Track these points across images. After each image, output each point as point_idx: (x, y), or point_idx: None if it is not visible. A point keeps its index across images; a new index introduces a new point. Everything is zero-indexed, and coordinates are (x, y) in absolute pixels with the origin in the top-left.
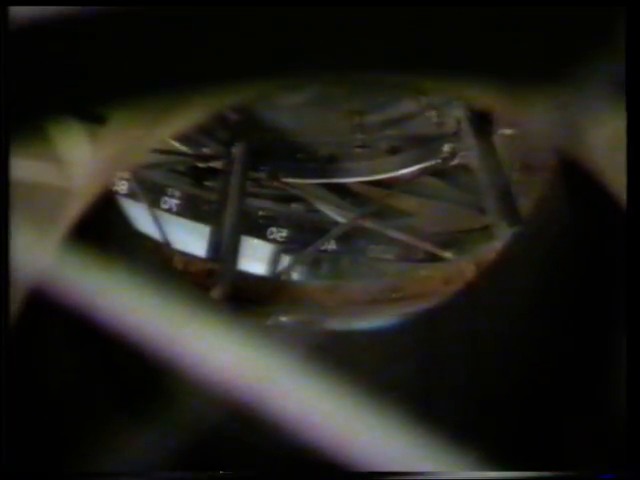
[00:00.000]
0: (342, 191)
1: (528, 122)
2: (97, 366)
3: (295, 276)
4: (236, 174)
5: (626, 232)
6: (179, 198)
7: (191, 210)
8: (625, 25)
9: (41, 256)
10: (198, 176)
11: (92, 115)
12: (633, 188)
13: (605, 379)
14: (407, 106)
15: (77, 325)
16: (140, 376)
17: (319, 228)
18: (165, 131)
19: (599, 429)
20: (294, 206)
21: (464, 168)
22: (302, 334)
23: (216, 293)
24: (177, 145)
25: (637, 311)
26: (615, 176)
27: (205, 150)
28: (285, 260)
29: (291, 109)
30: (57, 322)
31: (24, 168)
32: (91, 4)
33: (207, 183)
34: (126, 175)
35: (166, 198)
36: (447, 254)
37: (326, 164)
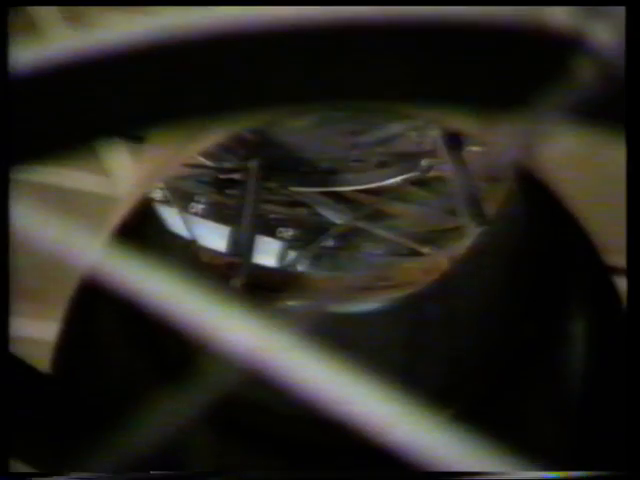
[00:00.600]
0: (339, 198)
1: (492, 141)
2: (141, 342)
3: (300, 268)
4: (251, 184)
5: (627, 233)
6: (204, 204)
7: (214, 214)
8: (625, 25)
9: (92, 251)
10: (220, 186)
11: (133, 136)
12: (633, 188)
13: (555, 349)
14: (393, 128)
15: (124, 308)
16: (176, 349)
17: (320, 228)
18: (193, 149)
19: (553, 394)
20: (299, 210)
21: (439, 179)
22: (306, 315)
23: (235, 282)
24: (203, 160)
25: (637, 312)
26: (565, 184)
27: (226, 164)
28: (291, 255)
29: (298, 130)
30: (107, 306)
31: (77, 179)
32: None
33: (228, 191)
34: (161, 185)
35: (194, 204)
36: (426, 249)
37: (326, 175)
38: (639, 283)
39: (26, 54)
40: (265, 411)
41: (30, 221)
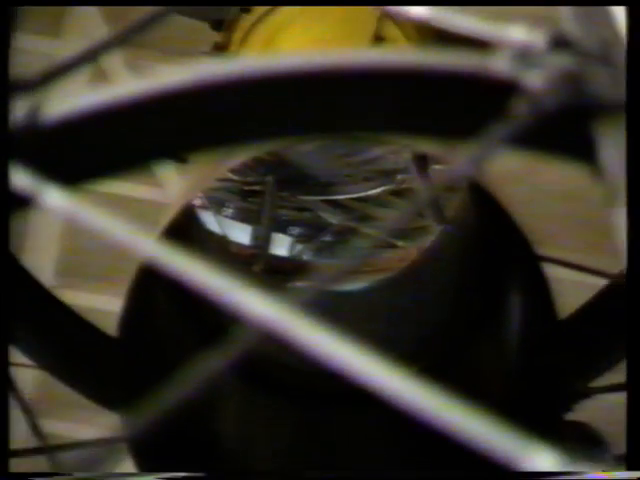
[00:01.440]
0: (335, 204)
1: (450, 161)
2: (186, 313)
3: (305, 257)
4: (268, 194)
5: (628, 237)
6: (233, 209)
7: (240, 216)
8: (625, 25)
9: (148, 243)
10: (244, 195)
11: (181, 159)
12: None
13: (497, 319)
14: (376, 151)
15: (174, 287)
16: (213, 318)
17: (321, 227)
18: (224, 168)
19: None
20: (305, 213)
21: (410, 189)
22: (310, 292)
23: (256, 267)
24: (232, 175)
25: (637, 312)
26: (504, 192)
27: (249, 179)
28: (298, 247)
29: (304, 153)
30: (161, 285)
31: (136, 190)
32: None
33: (250, 200)
34: (200, 194)
35: (225, 209)
36: (400, 243)
37: (326, 187)
38: (639, 283)
39: (98, 96)
40: (280, 365)
41: (101, 219)
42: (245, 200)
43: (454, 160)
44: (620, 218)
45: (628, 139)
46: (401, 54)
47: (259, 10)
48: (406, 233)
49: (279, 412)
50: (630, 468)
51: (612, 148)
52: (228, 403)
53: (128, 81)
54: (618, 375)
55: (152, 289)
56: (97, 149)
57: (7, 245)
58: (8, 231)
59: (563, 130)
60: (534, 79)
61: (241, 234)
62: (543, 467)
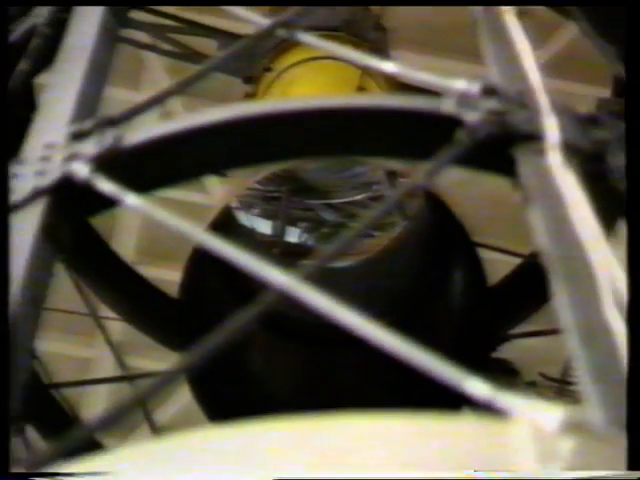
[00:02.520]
0: (331, 206)
1: (413, 175)
2: (230, 285)
3: (309, 243)
4: (284, 199)
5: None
6: (259, 209)
7: (264, 215)
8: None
9: (199, 234)
10: (267, 200)
11: (222, 173)
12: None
13: (444, 289)
14: (359, 169)
15: (219, 266)
16: (247, 287)
17: (321, 222)
18: (252, 180)
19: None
20: (310, 213)
21: (383, 196)
22: (314, 268)
23: (275, 251)
24: (257, 185)
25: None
26: (449, 198)
27: (270, 188)
28: (305, 237)
29: (311, 169)
30: (211, 263)
31: (190, 195)
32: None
33: (271, 203)
34: (236, 198)
35: (253, 209)
36: (376, 233)
37: (324, 194)
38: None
39: (164, 128)
40: (293, 318)
41: (165, 215)
42: (267, 203)
43: (414, 174)
44: (533, 217)
45: (628, 140)
46: (376, 98)
47: (277, 69)
48: (380, 226)
49: (293, 352)
50: (630, 468)
51: (527, 166)
52: (256, 346)
53: (186, 118)
54: (528, 325)
55: (202, 265)
56: (164, 165)
57: (7, 249)
58: (8, 233)
59: (492, 153)
60: (471, 116)
61: (264, 227)
62: (476, 390)
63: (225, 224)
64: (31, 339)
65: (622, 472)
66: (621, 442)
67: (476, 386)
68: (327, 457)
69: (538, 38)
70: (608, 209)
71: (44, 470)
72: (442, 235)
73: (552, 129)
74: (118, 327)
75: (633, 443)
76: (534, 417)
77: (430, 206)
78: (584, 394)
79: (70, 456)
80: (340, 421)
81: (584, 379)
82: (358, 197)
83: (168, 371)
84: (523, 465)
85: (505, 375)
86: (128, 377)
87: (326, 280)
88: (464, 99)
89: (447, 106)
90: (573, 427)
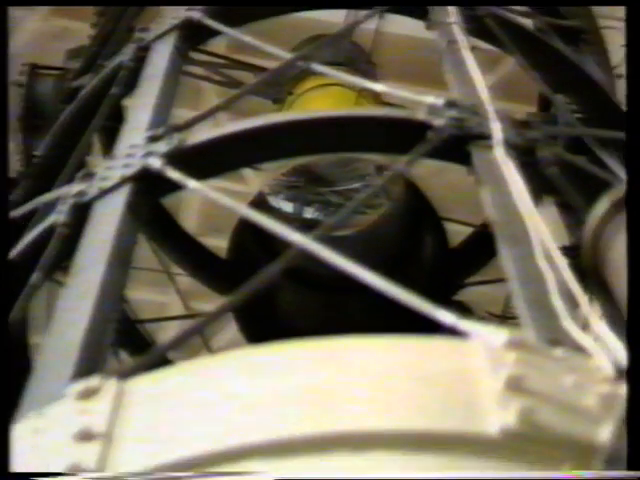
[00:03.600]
0: (336, 192)
1: (398, 169)
2: (263, 246)
3: (319, 218)
4: (302, 187)
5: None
6: (284, 194)
7: (287, 198)
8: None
9: (242, 209)
10: (289, 187)
11: (256, 167)
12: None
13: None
14: (356, 165)
15: (257, 233)
16: (277, 246)
17: (329, 204)
18: (279, 172)
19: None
20: (321, 196)
21: (374, 184)
22: (324, 235)
23: (296, 224)
24: (282, 177)
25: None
26: (422, 183)
27: (291, 178)
28: (317, 213)
29: (321, 165)
30: (250, 232)
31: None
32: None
33: (292, 189)
34: (266, 186)
35: (280, 194)
36: (368, 211)
37: (331, 183)
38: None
39: (216, 133)
40: (311, 270)
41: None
42: (289, 190)
43: (396, 166)
44: (484, 195)
45: (628, 138)
46: (369, 110)
47: (297, 93)
48: (370, 205)
49: (310, 296)
50: (630, 468)
51: (479, 157)
52: (283, 292)
53: (229, 126)
54: (479, 276)
55: (243, 233)
56: (214, 160)
57: (7, 246)
58: (8, 231)
59: (453, 148)
60: (438, 122)
61: (287, 207)
62: (444, 318)
63: (259, 205)
64: (122, 289)
65: (622, 472)
66: (549, 352)
67: (445, 316)
68: (332, 358)
69: (486, 67)
70: (538, 187)
71: (49, 471)
72: (416, 211)
73: (497, 131)
74: (184, 280)
75: (633, 443)
76: (487, 337)
77: (408, 190)
78: (522, 321)
79: (149, 369)
80: (341, 340)
81: (522, 311)
82: (355, 185)
83: (219, 309)
84: (479, 371)
85: (462, 313)
86: (192, 315)
87: (333, 243)
88: (432, 110)
89: (420, 115)
90: (515, 344)
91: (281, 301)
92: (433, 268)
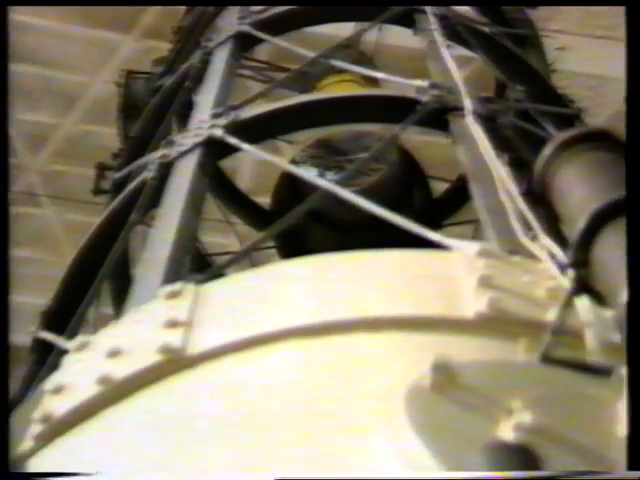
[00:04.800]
0: (348, 160)
1: (395, 133)
2: (293, 195)
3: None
4: (322, 157)
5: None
6: (309, 163)
7: (313, 165)
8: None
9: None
10: (313, 157)
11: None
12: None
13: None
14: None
15: (294, 182)
16: (304, 190)
17: (342, 169)
18: (305, 145)
19: None
20: (336, 164)
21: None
22: (342, 180)
23: (320, 182)
24: (308, 149)
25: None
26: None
27: (314, 150)
28: (335, 177)
29: (337, 139)
30: (286, 184)
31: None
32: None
33: (315, 159)
34: (296, 155)
35: (306, 163)
36: (371, 172)
37: (344, 153)
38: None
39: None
40: (336, 217)
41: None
42: (314, 158)
43: (393, 131)
44: (459, 154)
45: (628, 137)
46: (373, 91)
47: (318, 87)
48: (373, 169)
49: (333, 236)
50: (630, 468)
51: (455, 124)
52: (311, 233)
53: (269, 105)
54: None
55: (282, 188)
56: (261, 129)
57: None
58: (8, 228)
59: (435, 118)
60: (424, 98)
61: (313, 174)
62: (433, 237)
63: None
64: (195, 228)
65: (622, 472)
66: (510, 259)
67: (433, 235)
68: (356, 266)
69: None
70: (498, 145)
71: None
72: (408, 172)
73: (468, 104)
74: (240, 227)
75: (633, 443)
76: (463, 248)
77: (401, 156)
78: (488, 238)
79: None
80: (362, 254)
81: (489, 231)
82: (363, 155)
83: (263, 236)
84: (458, 273)
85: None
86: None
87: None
88: (420, 90)
89: (410, 94)
90: (484, 253)
91: (311, 240)
92: (420, 213)
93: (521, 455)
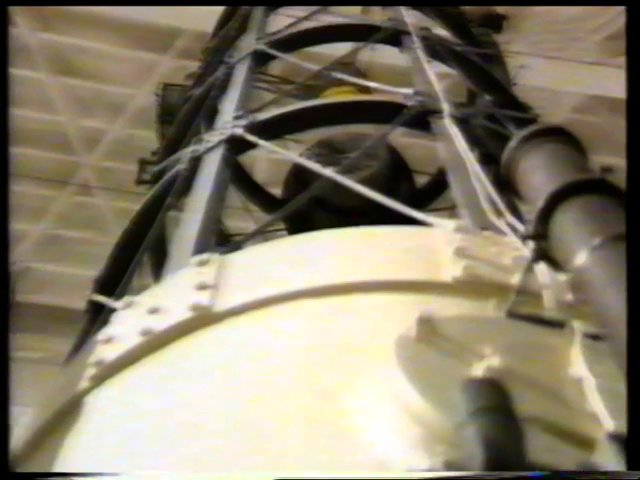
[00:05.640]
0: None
1: (385, 132)
2: (301, 182)
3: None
4: (325, 153)
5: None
6: (316, 157)
7: (318, 160)
8: (625, 25)
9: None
10: (318, 154)
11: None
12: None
13: (399, 182)
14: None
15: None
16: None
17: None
18: (310, 145)
19: None
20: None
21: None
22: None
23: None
24: (312, 147)
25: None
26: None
27: (318, 148)
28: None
29: (337, 141)
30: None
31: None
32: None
33: (320, 155)
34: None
35: (313, 157)
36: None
37: (343, 151)
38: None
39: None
40: (337, 203)
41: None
42: (317, 156)
43: (383, 131)
44: (439, 150)
45: (628, 136)
46: (366, 97)
47: (322, 96)
48: (366, 164)
49: (335, 219)
50: (630, 468)
51: (436, 125)
52: (316, 218)
53: (284, 107)
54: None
55: (294, 178)
56: (275, 129)
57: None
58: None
59: (419, 120)
60: (410, 103)
61: (318, 166)
62: (416, 215)
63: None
64: (220, 212)
65: (622, 472)
66: (481, 234)
67: (418, 215)
68: (357, 240)
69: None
70: (471, 142)
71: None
72: (395, 166)
73: (446, 109)
74: (257, 214)
75: (633, 443)
76: (443, 225)
77: (390, 154)
78: (463, 216)
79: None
80: (347, 231)
81: (463, 211)
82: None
83: (274, 216)
84: (438, 245)
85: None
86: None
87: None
88: (406, 96)
89: (398, 99)
90: (460, 229)
91: (315, 223)
92: (406, 201)
93: (491, 387)
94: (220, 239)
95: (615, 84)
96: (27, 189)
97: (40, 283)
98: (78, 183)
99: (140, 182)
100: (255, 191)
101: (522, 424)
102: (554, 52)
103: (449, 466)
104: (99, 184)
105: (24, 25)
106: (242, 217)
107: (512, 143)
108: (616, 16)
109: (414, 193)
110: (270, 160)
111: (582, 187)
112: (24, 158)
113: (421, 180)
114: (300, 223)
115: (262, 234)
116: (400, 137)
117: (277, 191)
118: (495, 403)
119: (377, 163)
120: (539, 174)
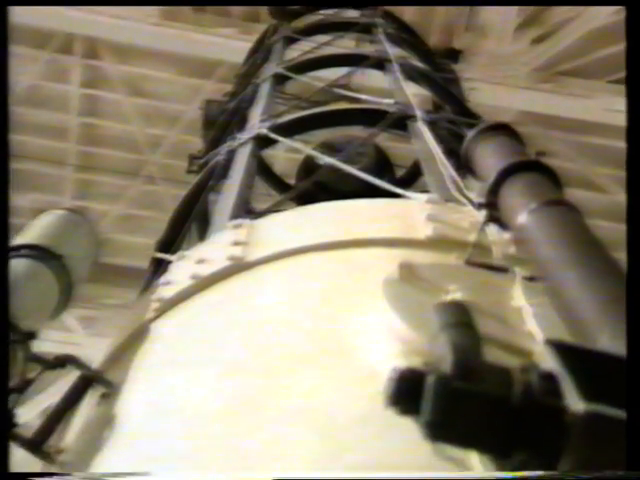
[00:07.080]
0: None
1: (373, 133)
2: (308, 172)
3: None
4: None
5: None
6: (321, 151)
7: (324, 154)
8: (625, 25)
9: (307, 150)
10: (322, 150)
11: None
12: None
13: (390, 171)
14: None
15: (308, 163)
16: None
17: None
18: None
19: None
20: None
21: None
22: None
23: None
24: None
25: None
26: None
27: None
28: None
29: (338, 141)
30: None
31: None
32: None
33: (323, 150)
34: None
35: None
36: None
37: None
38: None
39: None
40: (337, 189)
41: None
42: (323, 152)
43: (371, 132)
44: (416, 147)
45: (628, 137)
46: (357, 105)
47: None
48: (357, 160)
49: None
50: (630, 468)
51: (412, 128)
52: (318, 196)
53: (300, 112)
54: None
55: (304, 169)
56: (291, 128)
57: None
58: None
59: (399, 124)
60: (392, 109)
61: (325, 159)
62: (399, 191)
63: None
64: (249, 195)
65: (622, 472)
66: (447, 204)
67: (399, 190)
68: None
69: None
70: (438, 140)
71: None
72: (380, 163)
73: (419, 114)
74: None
75: (633, 443)
76: (420, 198)
77: (376, 152)
78: (432, 191)
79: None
80: (344, 203)
81: (433, 189)
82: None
83: (285, 196)
84: (413, 213)
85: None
86: (275, 205)
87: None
88: (388, 105)
89: (383, 107)
90: (431, 200)
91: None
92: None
93: (457, 308)
94: (248, 214)
95: (541, 104)
96: (107, 180)
97: (117, 249)
98: (145, 175)
99: (189, 172)
100: (274, 179)
101: (481, 335)
102: (497, 79)
103: (426, 366)
104: (160, 176)
105: (107, 59)
106: (265, 201)
107: (470, 135)
108: (541, 53)
109: (395, 182)
110: (286, 157)
111: (523, 167)
112: (105, 157)
113: (400, 173)
114: (307, 203)
115: (279, 210)
116: (384, 140)
117: (291, 181)
118: (460, 319)
119: (366, 159)
120: (490, 158)
